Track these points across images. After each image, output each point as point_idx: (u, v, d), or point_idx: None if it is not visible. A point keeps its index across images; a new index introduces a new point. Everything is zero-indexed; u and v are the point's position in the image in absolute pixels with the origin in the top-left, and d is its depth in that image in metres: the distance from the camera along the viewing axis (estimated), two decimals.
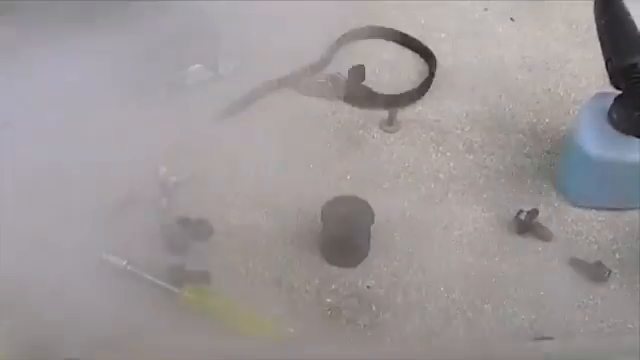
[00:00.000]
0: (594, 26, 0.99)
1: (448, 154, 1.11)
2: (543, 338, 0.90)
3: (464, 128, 1.15)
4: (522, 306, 0.97)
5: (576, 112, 1.07)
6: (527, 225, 1.02)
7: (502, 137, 1.14)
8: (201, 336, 0.88)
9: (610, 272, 0.98)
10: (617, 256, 1.03)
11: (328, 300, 0.96)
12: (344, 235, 0.95)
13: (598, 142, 0.99)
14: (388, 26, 1.28)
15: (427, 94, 1.19)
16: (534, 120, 1.16)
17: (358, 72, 1.18)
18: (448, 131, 1.14)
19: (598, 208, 1.07)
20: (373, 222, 0.96)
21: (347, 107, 1.18)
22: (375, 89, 1.18)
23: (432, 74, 1.20)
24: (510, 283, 0.99)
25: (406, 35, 1.26)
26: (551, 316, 0.96)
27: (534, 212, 1.02)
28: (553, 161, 1.11)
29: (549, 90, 1.21)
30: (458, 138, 1.13)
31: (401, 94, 1.16)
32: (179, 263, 0.96)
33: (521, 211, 1.02)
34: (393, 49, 1.27)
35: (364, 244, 0.98)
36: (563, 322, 0.96)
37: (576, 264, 1.00)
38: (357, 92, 1.17)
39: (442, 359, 0.85)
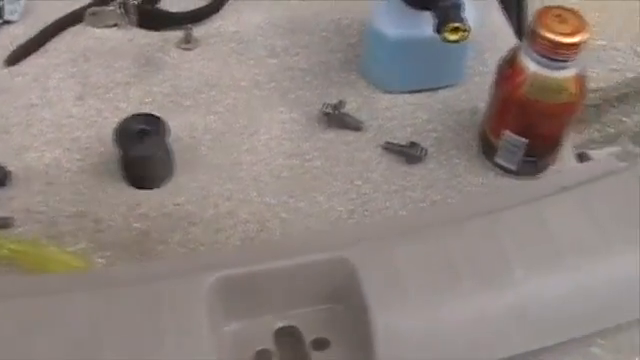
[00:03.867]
0: None
1: (250, 62, 1.10)
2: None
3: (266, 35, 1.14)
4: (338, 198, 0.97)
5: None
6: (335, 117, 1.01)
7: (305, 38, 1.13)
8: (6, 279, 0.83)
9: (426, 151, 0.98)
10: (433, 135, 1.03)
11: (136, 225, 0.94)
12: (141, 154, 0.92)
13: (393, 22, 1.00)
14: None
15: (226, 7, 1.18)
16: (338, 17, 1.16)
17: None
18: (249, 40, 1.13)
19: (409, 91, 1.08)
20: (169, 135, 0.93)
21: (143, 32, 1.15)
22: (172, 9, 1.14)
23: None
24: (324, 177, 0.99)
25: None
26: (369, 204, 0.97)
27: (340, 103, 1.02)
28: (359, 53, 1.10)
29: None
30: (260, 45, 1.12)
31: (195, 10, 1.14)
32: None
33: (326, 104, 1.00)
34: None
35: (166, 161, 0.96)
36: (382, 207, 0.96)
37: (390, 149, 1.00)
38: (150, 15, 1.13)
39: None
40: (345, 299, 0.84)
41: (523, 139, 0.94)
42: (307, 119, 1.03)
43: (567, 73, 0.89)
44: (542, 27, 0.87)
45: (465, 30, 0.91)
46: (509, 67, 0.92)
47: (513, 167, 0.98)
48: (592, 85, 1.19)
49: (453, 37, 0.92)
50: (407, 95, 1.07)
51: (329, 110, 1.01)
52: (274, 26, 1.15)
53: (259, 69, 1.10)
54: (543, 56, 0.88)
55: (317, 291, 0.85)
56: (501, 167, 0.99)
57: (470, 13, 0.99)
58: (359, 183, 0.98)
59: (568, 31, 0.86)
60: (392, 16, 0.99)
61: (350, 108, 1.05)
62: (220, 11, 1.18)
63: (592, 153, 1.44)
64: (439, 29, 0.92)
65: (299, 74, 1.09)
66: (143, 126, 0.96)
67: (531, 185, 0.96)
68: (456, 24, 0.91)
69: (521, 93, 0.90)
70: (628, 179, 0.91)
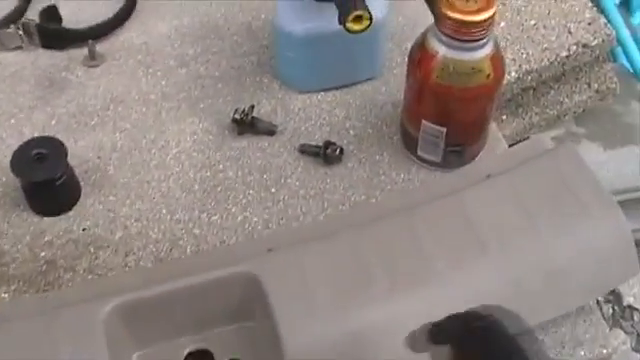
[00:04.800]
0: None
1: (159, 74, 1.05)
2: None
3: (174, 44, 1.08)
4: (253, 208, 0.91)
5: None
6: (246, 123, 0.95)
7: (216, 43, 1.08)
8: None
9: (341, 149, 0.92)
10: (352, 132, 0.98)
11: (42, 254, 0.89)
12: (40, 179, 0.86)
13: (297, 18, 0.95)
14: None
15: (132, 18, 1.12)
16: (248, 19, 1.10)
17: (50, 13, 1.08)
18: (157, 51, 1.07)
19: (326, 89, 1.02)
20: (66, 157, 0.86)
21: (48, 53, 1.09)
22: (78, 26, 1.08)
23: None
24: (237, 187, 0.93)
25: None
26: (286, 211, 0.91)
27: (250, 109, 0.96)
28: (272, 54, 1.03)
29: None
30: (168, 55, 1.06)
31: (98, 25, 1.08)
32: None
33: (236, 110, 0.94)
34: None
35: (70, 185, 0.90)
36: (300, 214, 0.90)
37: (306, 151, 0.95)
38: (52, 34, 1.07)
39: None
40: (255, 315, 0.78)
41: (442, 128, 0.88)
42: (218, 128, 0.98)
43: (480, 54, 0.84)
44: (447, 7, 0.81)
45: (369, 18, 0.85)
46: (419, 52, 0.86)
47: (437, 159, 0.92)
48: (526, 67, 1.14)
49: (357, 27, 0.86)
50: (323, 93, 1.01)
51: (239, 116, 0.95)
52: (182, 34, 1.09)
53: (168, 80, 1.04)
54: (452, 38, 0.83)
55: (227, 309, 0.79)
56: (424, 160, 0.94)
57: (381, 3, 0.95)
58: (274, 190, 0.92)
59: (475, 9, 0.81)
60: (296, 12, 0.94)
61: (264, 112, 0.99)
62: (126, 23, 1.11)
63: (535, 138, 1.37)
64: (341, 19, 0.85)
65: (210, 82, 1.03)
66: (40, 150, 0.90)
67: (453, 176, 0.90)
68: (358, 12, 0.85)
69: (433, 79, 0.85)
70: (554, 160, 0.85)
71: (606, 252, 0.81)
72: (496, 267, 0.78)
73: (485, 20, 0.81)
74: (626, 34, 1.45)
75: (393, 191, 0.92)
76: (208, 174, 0.94)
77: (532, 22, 1.21)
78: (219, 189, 0.93)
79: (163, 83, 1.05)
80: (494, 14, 0.81)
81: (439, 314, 0.73)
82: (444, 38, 0.83)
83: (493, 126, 0.98)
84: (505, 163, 0.88)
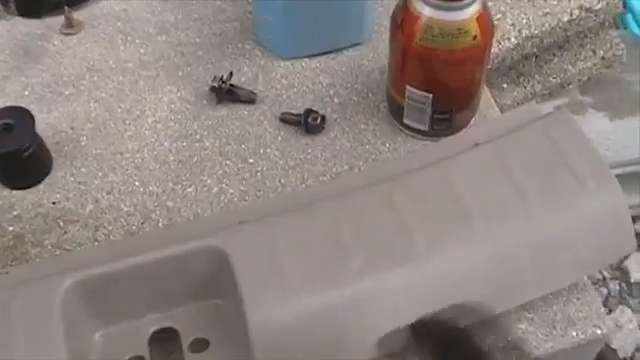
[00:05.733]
0: None
1: (137, 41, 1.00)
2: None
3: (154, 11, 1.03)
4: (230, 180, 0.87)
5: None
6: (224, 91, 0.89)
7: (198, 9, 1.03)
8: None
9: (323, 117, 0.86)
10: (336, 100, 0.92)
11: (10, 228, 0.85)
12: (7, 150, 0.82)
13: None
14: None
15: None
16: None
17: None
18: (137, 18, 1.03)
19: (310, 55, 0.95)
20: (33, 127, 0.82)
21: (24, 21, 1.04)
22: None
23: None
24: (214, 158, 0.88)
25: None
26: (264, 183, 0.86)
27: (229, 76, 0.90)
28: (255, 20, 0.97)
29: None
30: (148, 22, 1.02)
31: None
32: None
33: (214, 78, 0.89)
34: None
35: (39, 156, 0.86)
36: (278, 185, 0.85)
37: (287, 120, 0.89)
38: (28, 2, 1.02)
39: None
40: (223, 292, 0.73)
41: (427, 94, 0.82)
42: (197, 97, 0.93)
43: (466, 14, 0.78)
44: None
45: None
46: (401, 14, 0.80)
47: (424, 127, 0.87)
48: (526, 32, 1.07)
49: None
50: (308, 60, 0.96)
51: (217, 84, 0.89)
52: (164, 1, 1.03)
53: (147, 48, 0.99)
54: None
55: (194, 285, 0.75)
56: (411, 129, 0.88)
57: None
58: (252, 161, 0.87)
59: None
60: None
61: (245, 80, 0.94)
62: None
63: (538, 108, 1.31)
64: None
65: (190, 49, 0.98)
66: (6, 120, 0.85)
67: (438, 145, 0.84)
68: None
69: (416, 41, 0.79)
70: (547, 128, 0.79)
71: (600, 227, 0.75)
72: (480, 242, 0.73)
73: None
74: (635, 1, 1.36)
75: (375, 161, 0.85)
76: (184, 144, 0.89)
77: None
78: (195, 160, 0.88)
79: (142, 51, 1.00)
80: None
81: (417, 294, 0.68)
82: None
83: (486, 92, 0.93)
84: (495, 131, 0.83)
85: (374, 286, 0.70)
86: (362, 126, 0.91)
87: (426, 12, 0.79)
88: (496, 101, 1.18)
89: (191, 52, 0.99)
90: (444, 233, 0.73)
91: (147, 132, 0.92)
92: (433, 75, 0.83)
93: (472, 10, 0.79)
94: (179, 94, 0.95)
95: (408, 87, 0.84)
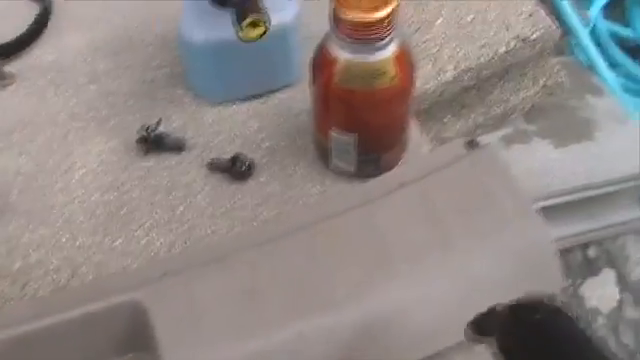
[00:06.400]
0: None
1: (68, 92, 1.00)
2: None
3: (86, 59, 1.03)
4: (158, 230, 0.86)
5: None
6: (152, 141, 0.89)
7: (129, 57, 1.02)
8: None
9: (249, 164, 0.86)
10: (265, 144, 0.92)
11: None
12: None
13: (199, 25, 0.89)
14: None
15: (46, 35, 1.05)
16: (164, 29, 1.03)
17: None
18: (69, 67, 1.02)
19: (239, 100, 0.95)
20: None
21: None
22: None
23: (45, 12, 1.05)
24: (142, 209, 0.87)
25: None
26: (192, 232, 0.86)
27: (156, 124, 0.89)
28: (184, 66, 0.97)
29: None
30: (80, 72, 1.01)
31: (7, 43, 1.02)
32: None
33: (142, 127, 0.89)
34: None
35: None
36: (206, 234, 0.84)
37: (215, 167, 0.88)
38: None
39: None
40: (146, 346, 0.72)
41: (351, 136, 0.82)
42: (126, 147, 0.92)
43: (383, 54, 0.78)
44: (341, 6, 0.74)
45: (264, 24, 0.79)
46: (319, 57, 0.79)
47: (351, 169, 0.86)
48: (463, 65, 1.07)
49: (253, 34, 0.81)
50: (238, 104, 0.96)
51: (144, 134, 0.88)
52: (95, 49, 1.04)
53: (78, 99, 0.99)
54: (349, 39, 0.76)
55: (117, 340, 0.74)
56: (339, 170, 0.88)
57: (290, 6, 0.92)
58: (181, 210, 0.86)
59: (372, 6, 0.74)
60: (200, 18, 0.89)
61: (175, 127, 0.93)
62: (40, 39, 1.05)
63: (482, 139, 1.31)
64: (235, 26, 0.79)
65: (121, 99, 0.98)
66: None
67: (365, 186, 0.83)
68: (252, 18, 0.79)
69: (335, 84, 0.79)
70: (472, 165, 0.79)
71: (525, 264, 0.74)
72: (403, 285, 0.71)
73: (382, 19, 0.75)
74: (578, 26, 1.37)
75: (305, 205, 0.85)
76: (113, 196, 0.89)
77: (470, 17, 1.15)
78: (123, 211, 0.87)
79: (73, 102, 1.00)
80: (393, 11, 0.75)
81: (336, 341, 0.67)
82: (342, 40, 0.77)
83: (416, 130, 0.92)
84: (421, 170, 0.83)
85: (291, 334, 0.69)
86: (291, 169, 0.90)
87: (343, 54, 0.79)
88: (438, 135, 1.18)
89: (121, 101, 0.99)
90: (365, 279, 0.72)
91: (77, 185, 0.91)
92: (355, 117, 0.83)
93: (389, 51, 0.79)
94: (109, 145, 0.94)
95: (331, 130, 0.84)
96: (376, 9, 0.76)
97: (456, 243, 0.75)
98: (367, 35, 0.77)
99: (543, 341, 0.57)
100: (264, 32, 0.82)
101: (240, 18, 0.82)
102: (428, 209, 0.78)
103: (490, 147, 0.83)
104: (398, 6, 0.77)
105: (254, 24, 0.82)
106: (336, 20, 0.77)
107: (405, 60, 0.81)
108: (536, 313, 0.59)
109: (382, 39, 0.78)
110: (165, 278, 0.74)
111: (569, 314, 0.59)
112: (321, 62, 0.81)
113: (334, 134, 0.85)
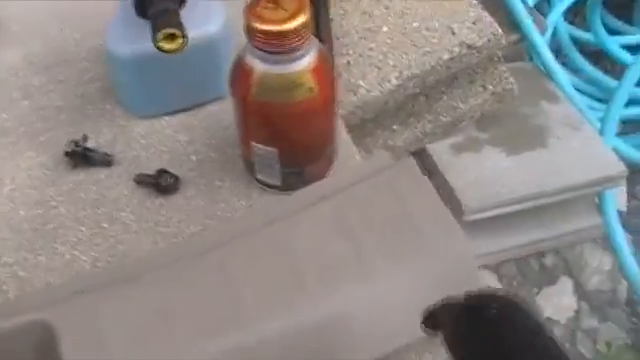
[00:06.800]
0: None
1: (1, 107, 0.96)
2: None
3: (19, 74, 1.01)
4: (83, 246, 0.86)
5: None
6: (80, 155, 0.88)
7: (63, 71, 1.02)
8: None
9: (175, 178, 0.85)
10: (193, 158, 0.91)
11: None
12: None
13: (124, 38, 0.86)
14: None
15: None
16: (100, 43, 1.02)
17: None
18: (1, 82, 1.00)
19: (170, 113, 0.94)
20: None
21: None
22: None
23: None
24: (68, 225, 0.87)
25: None
26: (116, 248, 0.87)
27: (83, 139, 0.89)
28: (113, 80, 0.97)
29: None
30: (13, 86, 1.00)
31: None
32: None
33: (68, 142, 0.88)
34: None
35: None
36: (130, 250, 0.86)
37: (142, 181, 0.87)
38: None
39: None
40: None
41: (272, 149, 0.81)
42: (55, 162, 0.92)
43: (299, 66, 0.77)
44: (253, 18, 0.73)
45: (182, 36, 0.78)
46: (236, 69, 0.78)
47: (277, 182, 0.85)
48: (407, 73, 1.06)
49: (169, 46, 0.80)
50: (168, 117, 0.95)
51: (71, 148, 0.87)
52: (30, 63, 1.03)
53: (9, 113, 0.98)
54: (264, 51, 0.75)
55: None
56: (265, 184, 0.86)
57: (217, 16, 0.92)
58: (106, 225, 0.85)
59: (285, 17, 0.73)
60: (125, 31, 0.88)
61: (104, 141, 0.93)
62: None
63: (431, 147, 1.30)
64: (153, 38, 0.78)
65: (52, 113, 0.97)
66: None
67: (287, 200, 0.82)
68: (170, 30, 0.78)
69: (252, 96, 0.78)
70: (390, 179, 0.78)
71: (445, 281, 0.73)
72: (314, 303, 0.70)
73: (295, 29, 0.74)
74: (534, 32, 1.36)
75: (222, 222, 0.84)
76: (40, 211, 0.88)
77: (415, 24, 1.14)
78: (49, 227, 0.87)
79: (4, 117, 0.98)
80: (307, 21, 0.73)
81: (249, 358, 0.66)
82: (257, 52, 0.76)
83: (347, 141, 0.91)
84: (343, 183, 0.81)
85: (201, 355, 0.68)
86: (218, 183, 0.90)
87: (258, 66, 0.78)
88: (387, 144, 1.17)
89: (53, 116, 0.98)
90: (275, 298, 0.71)
91: (4, 201, 0.91)
92: (274, 129, 0.82)
93: (305, 62, 0.78)
94: (38, 160, 0.94)
95: (253, 143, 0.83)
96: (288, 20, 0.74)
97: (371, 261, 0.74)
98: (280, 46, 0.76)
99: (497, 334, 0.55)
100: (182, 44, 0.81)
101: (155, 30, 0.81)
102: (343, 226, 0.77)
103: (409, 160, 0.81)
104: (310, 17, 0.75)
105: (172, 36, 0.80)
106: (248, 30, 0.76)
107: (323, 72, 0.80)
108: (492, 306, 0.57)
109: (297, 50, 0.76)
110: (75, 297, 0.73)
111: (525, 307, 0.56)
112: (238, 73, 0.80)
113: (256, 148, 0.84)
